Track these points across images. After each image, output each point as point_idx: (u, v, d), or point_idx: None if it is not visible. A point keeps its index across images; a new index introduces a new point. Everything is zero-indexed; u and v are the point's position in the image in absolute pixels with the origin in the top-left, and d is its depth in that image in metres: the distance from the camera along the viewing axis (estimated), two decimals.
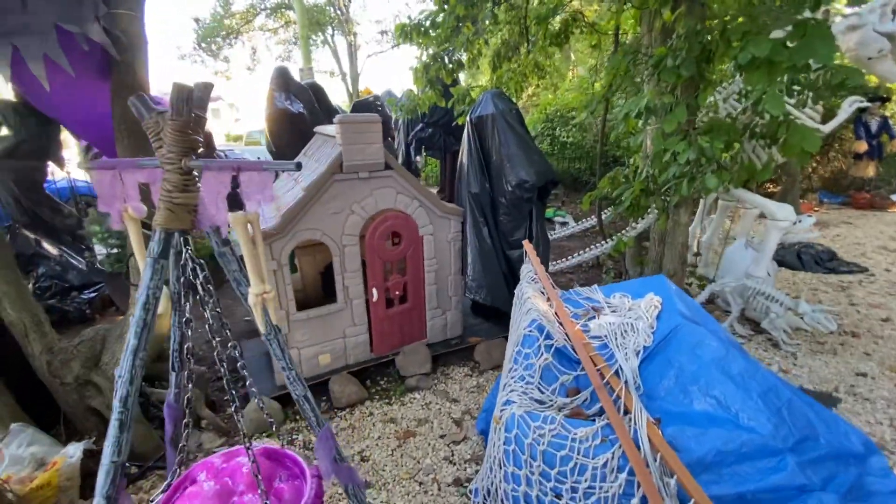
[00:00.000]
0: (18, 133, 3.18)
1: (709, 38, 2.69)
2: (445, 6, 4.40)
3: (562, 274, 4.89)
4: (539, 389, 1.62)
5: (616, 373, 1.61)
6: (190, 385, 1.26)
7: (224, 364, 1.20)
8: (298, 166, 0.96)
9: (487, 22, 4.35)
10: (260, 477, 1.13)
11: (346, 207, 2.64)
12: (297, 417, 2.64)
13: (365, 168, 2.60)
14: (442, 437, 2.44)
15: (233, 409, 1.17)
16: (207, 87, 1.11)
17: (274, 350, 1.19)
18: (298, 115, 4.79)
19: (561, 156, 10.26)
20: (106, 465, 0.96)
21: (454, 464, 2.24)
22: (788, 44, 2.31)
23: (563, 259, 4.61)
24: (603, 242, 4.41)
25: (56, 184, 4.33)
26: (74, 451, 1.85)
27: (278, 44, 15.53)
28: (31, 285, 3.05)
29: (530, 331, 1.70)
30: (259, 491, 1.12)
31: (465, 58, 5.10)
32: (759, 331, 3.40)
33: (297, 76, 8.57)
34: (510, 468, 1.49)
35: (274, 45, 15.76)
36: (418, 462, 2.25)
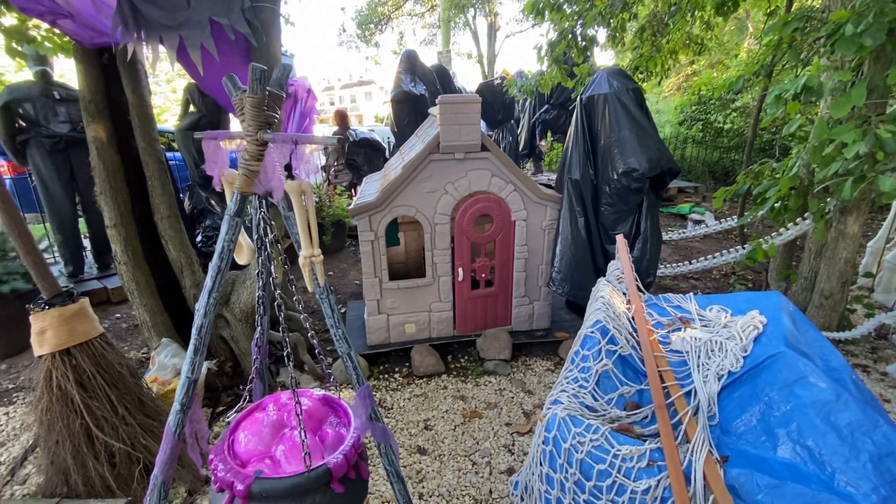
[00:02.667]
0: (200, 109, 3.96)
1: None
2: None
3: (684, 278, 4.35)
4: (593, 396, 1.49)
5: (687, 395, 1.40)
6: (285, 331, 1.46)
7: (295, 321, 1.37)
8: (340, 141, 1.03)
9: None
10: (301, 416, 1.27)
11: (441, 187, 2.71)
12: (381, 376, 2.87)
13: (461, 149, 2.63)
14: (507, 424, 2.42)
15: (317, 359, 1.33)
16: (286, 69, 1.24)
17: (325, 308, 1.31)
18: (420, 96, 5.00)
19: (713, 144, 8.97)
20: (183, 379, 1.19)
21: (512, 453, 2.21)
22: None
23: (687, 262, 4.07)
24: (739, 248, 3.77)
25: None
26: (202, 367, 2.31)
27: (423, 27, 16.30)
28: (199, 234, 3.84)
29: (592, 332, 1.56)
30: (299, 427, 1.26)
31: (602, 34, 4.70)
32: None
33: (436, 59, 8.90)
34: (546, 469, 1.42)
35: (420, 30, 16.59)
36: (477, 443, 2.28)
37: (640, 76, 4.77)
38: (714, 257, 3.85)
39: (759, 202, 3.06)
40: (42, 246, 4.45)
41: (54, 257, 4.34)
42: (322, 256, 1.21)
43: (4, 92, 3.58)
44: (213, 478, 1.23)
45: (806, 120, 3.20)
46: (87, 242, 4.39)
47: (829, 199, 2.67)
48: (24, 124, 3.65)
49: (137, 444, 1.80)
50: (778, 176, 3.15)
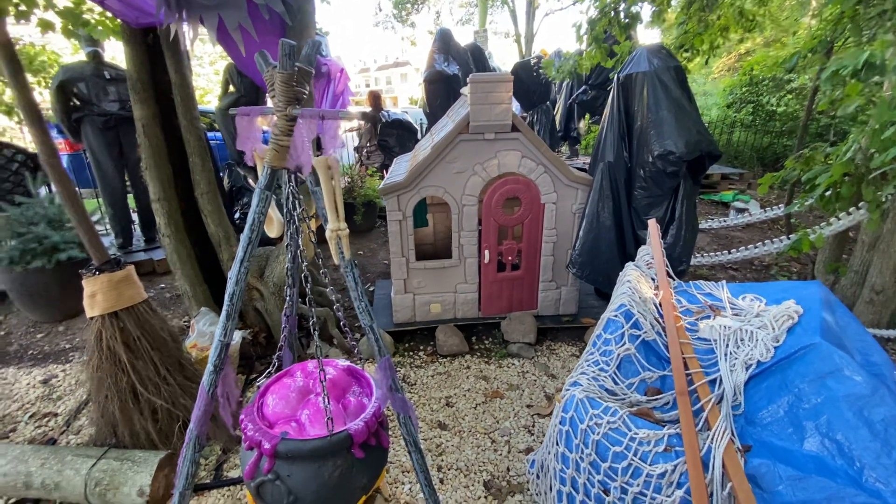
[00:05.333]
0: (239, 90, 4.07)
1: None
2: None
3: (721, 268, 4.18)
4: (613, 379, 1.48)
5: (712, 383, 1.37)
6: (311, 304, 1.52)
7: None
8: (364, 116, 1.04)
9: None
10: (325, 384, 1.33)
11: (469, 168, 2.70)
12: (406, 353, 2.94)
13: (491, 129, 2.60)
14: (528, 406, 2.43)
15: (345, 334, 1.38)
16: (315, 44, 1.26)
17: (349, 281, 1.35)
18: (453, 76, 4.94)
19: (764, 128, 8.45)
20: (216, 342, 1.26)
21: (532, 434, 2.23)
22: None
23: (725, 251, 3.91)
24: (784, 238, 3.57)
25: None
26: (237, 336, 2.44)
27: (461, 6, 15.99)
28: (237, 212, 4.00)
29: (615, 315, 1.54)
30: (323, 394, 1.32)
31: (647, 10, 4.48)
32: None
33: (472, 39, 8.75)
34: (562, 448, 1.43)
35: (456, 9, 16.28)
36: (497, 422, 2.31)
37: (686, 55, 4.53)
38: (755, 247, 3.67)
39: (809, 189, 2.88)
40: (94, 218, 4.76)
41: (106, 229, 4.63)
42: (348, 230, 1.24)
43: (60, 72, 3.80)
44: (243, 436, 1.31)
45: (866, 101, 2.95)
46: (135, 217, 4.65)
47: (886, 187, 2.48)
48: (78, 103, 3.87)
49: (177, 403, 1.94)
50: (831, 161, 2.94)
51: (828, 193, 2.86)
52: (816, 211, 5.49)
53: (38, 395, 2.57)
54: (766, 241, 3.61)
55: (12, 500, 1.82)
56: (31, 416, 2.39)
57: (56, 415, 2.40)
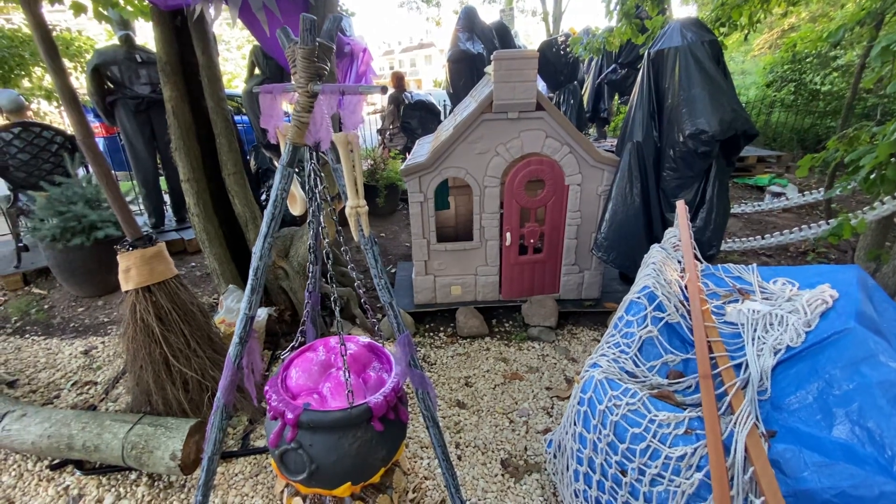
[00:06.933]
0: (265, 72, 4.11)
1: None
2: None
3: (754, 254, 4.03)
4: (634, 362, 1.46)
5: (737, 368, 1.33)
6: (333, 283, 1.56)
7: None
8: (384, 89, 1.03)
9: None
10: (346, 358, 1.36)
11: (492, 148, 2.66)
12: (426, 334, 2.97)
13: (515, 108, 2.55)
14: (548, 388, 2.43)
15: (365, 312, 1.41)
16: (336, 20, 1.25)
17: (369, 258, 1.36)
18: (477, 55, 4.84)
19: (806, 109, 8.00)
20: (242, 315, 1.30)
21: (551, 416, 2.23)
22: None
23: (759, 237, 3.76)
24: (823, 224, 3.41)
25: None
26: (263, 312, 2.52)
27: None
28: (263, 193, 4.08)
29: (638, 297, 1.51)
30: (344, 368, 1.35)
31: None
32: None
33: (498, 17, 8.53)
34: (579, 428, 1.43)
35: None
36: (516, 403, 2.32)
37: (722, 30, 4.30)
38: (791, 232, 3.52)
39: (852, 171, 2.72)
40: (128, 199, 4.94)
41: (139, 210, 4.80)
42: (367, 207, 1.25)
43: (94, 56, 3.91)
44: (267, 407, 1.36)
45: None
46: (167, 198, 4.81)
47: None
48: (111, 86, 3.98)
49: (207, 375, 2.02)
50: (877, 142, 2.76)
51: (872, 176, 2.70)
52: (859, 195, 5.21)
53: (79, 365, 2.73)
54: (803, 227, 3.45)
55: (56, 461, 1.95)
56: (73, 384, 2.54)
57: (96, 383, 2.54)
